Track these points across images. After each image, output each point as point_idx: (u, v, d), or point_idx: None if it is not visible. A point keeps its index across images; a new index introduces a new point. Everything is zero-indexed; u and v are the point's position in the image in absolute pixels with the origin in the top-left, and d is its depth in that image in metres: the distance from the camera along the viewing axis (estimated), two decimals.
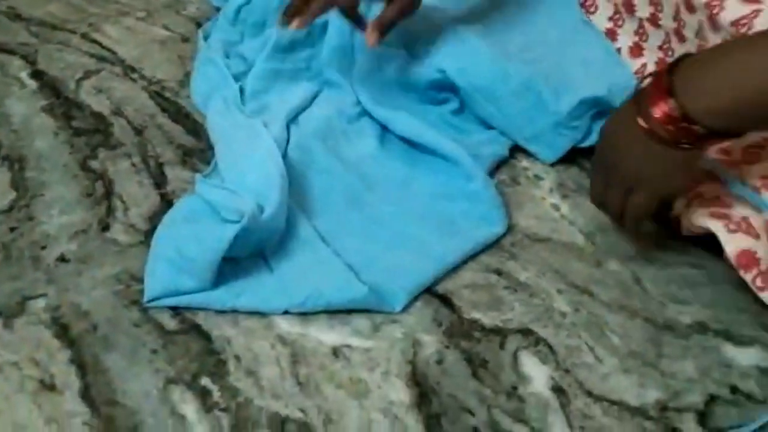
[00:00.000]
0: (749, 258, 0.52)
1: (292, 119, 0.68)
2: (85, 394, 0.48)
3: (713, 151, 0.54)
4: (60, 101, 0.73)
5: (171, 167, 0.66)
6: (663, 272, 0.58)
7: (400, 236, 0.59)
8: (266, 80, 0.72)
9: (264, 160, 0.60)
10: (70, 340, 0.51)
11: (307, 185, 0.63)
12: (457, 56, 0.69)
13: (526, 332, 0.54)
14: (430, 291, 0.56)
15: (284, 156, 0.63)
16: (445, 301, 0.56)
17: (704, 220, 0.54)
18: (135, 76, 0.77)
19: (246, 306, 0.54)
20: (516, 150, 0.69)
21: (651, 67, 0.67)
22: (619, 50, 0.70)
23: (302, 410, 0.48)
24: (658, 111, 0.48)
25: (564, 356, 0.52)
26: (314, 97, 0.72)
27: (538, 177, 0.67)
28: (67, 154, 0.67)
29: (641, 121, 0.49)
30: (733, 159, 0.53)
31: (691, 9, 0.57)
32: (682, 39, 0.59)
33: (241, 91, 0.71)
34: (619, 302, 0.56)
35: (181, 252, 0.53)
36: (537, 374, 0.51)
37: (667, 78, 0.48)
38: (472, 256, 0.59)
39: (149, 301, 0.53)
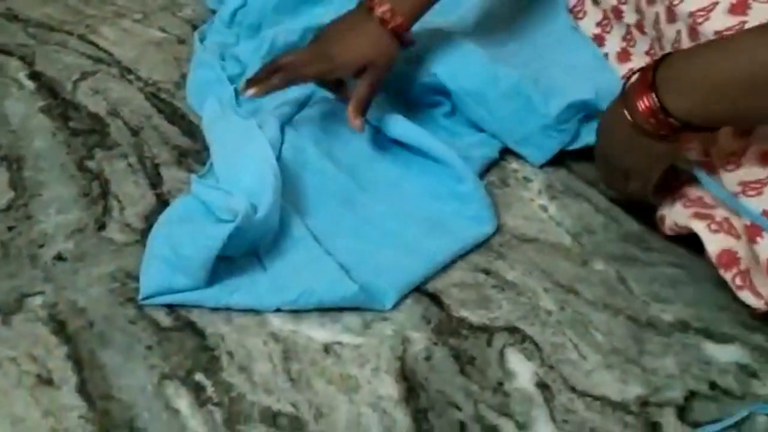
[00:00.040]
0: (730, 257, 0.53)
1: (287, 121, 0.69)
2: (82, 389, 0.49)
3: (694, 154, 0.56)
4: (57, 102, 0.74)
5: (167, 167, 0.67)
6: (646, 271, 0.60)
7: (391, 236, 0.61)
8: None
9: (258, 161, 0.61)
10: (67, 336, 0.52)
11: (300, 185, 0.64)
12: (448, 60, 0.70)
13: (512, 330, 0.55)
14: (419, 289, 0.57)
15: (278, 157, 0.64)
16: (435, 299, 0.57)
17: (687, 220, 0.56)
18: (131, 77, 0.78)
19: (239, 304, 0.55)
20: (506, 152, 0.70)
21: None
22: (606, 55, 0.72)
23: (293, 405, 0.49)
24: (642, 105, 0.51)
25: (549, 353, 0.53)
26: (308, 99, 0.73)
27: (527, 179, 0.69)
28: (65, 155, 0.68)
29: (627, 115, 0.52)
30: (713, 163, 0.55)
31: (671, 19, 0.58)
32: (663, 48, 0.61)
33: (236, 92, 0.72)
34: (604, 301, 0.57)
35: (176, 251, 0.54)
36: (522, 370, 0.52)
37: (651, 74, 0.50)
38: (461, 256, 0.60)
39: (144, 299, 0.55)
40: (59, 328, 0.53)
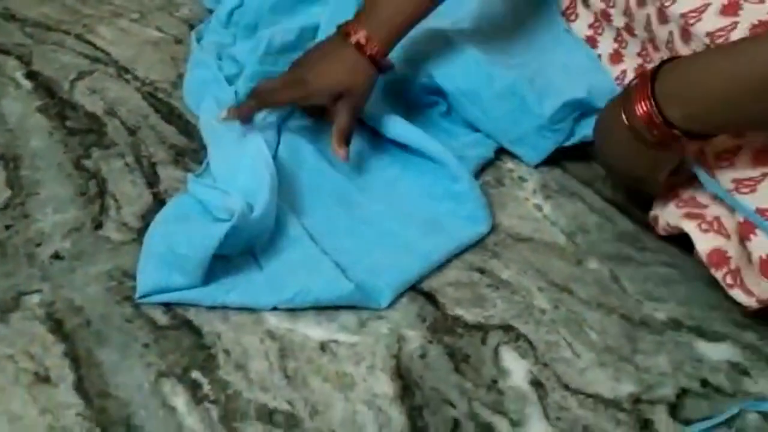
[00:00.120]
0: (720, 257, 0.54)
1: (283, 120, 0.70)
2: (79, 387, 0.50)
3: (691, 153, 0.57)
4: (54, 101, 0.74)
5: (163, 167, 0.67)
6: (640, 271, 0.60)
7: (386, 235, 0.61)
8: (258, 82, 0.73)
9: (254, 161, 0.61)
10: (64, 334, 0.53)
11: (296, 185, 0.64)
12: (444, 61, 0.71)
13: (507, 328, 0.55)
14: (415, 288, 0.58)
15: (275, 156, 0.64)
16: (430, 298, 0.57)
17: (678, 220, 0.56)
18: (128, 77, 0.78)
19: (236, 302, 0.55)
20: (501, 152, 0.71)
21: (631, 74, 0.69)
22: (599, 56, 0.72)
23: (289, 402, 0.50)
24: (640, 110, 0.51)
25: (543, 351, 0.54)
26: None
27: (522, 178, 0.69)
28: (62, 154, 0.68)
29: (624, 118, 0.52)
30: (707, 161, 0.55)
31: (663, 20, 0.59)
32: (656, 48, 0.61)
33: (234, 93, 0.72)
34: (598, 300, 0.58)
35: (172, 249, 0.54)
36: (516, 368, 0.53)
37: (650, 81, 0.50)
38: (457, 255, 0.60)
39: (141, 297, 0.55)
40: (56, 326, 0.53)
